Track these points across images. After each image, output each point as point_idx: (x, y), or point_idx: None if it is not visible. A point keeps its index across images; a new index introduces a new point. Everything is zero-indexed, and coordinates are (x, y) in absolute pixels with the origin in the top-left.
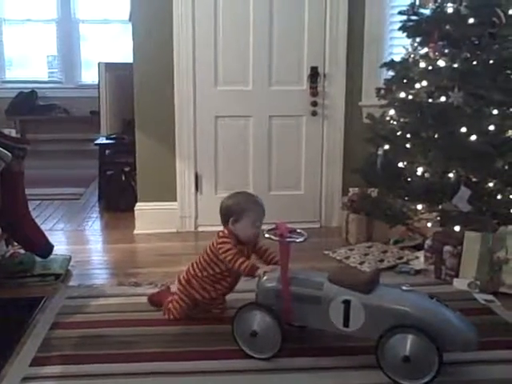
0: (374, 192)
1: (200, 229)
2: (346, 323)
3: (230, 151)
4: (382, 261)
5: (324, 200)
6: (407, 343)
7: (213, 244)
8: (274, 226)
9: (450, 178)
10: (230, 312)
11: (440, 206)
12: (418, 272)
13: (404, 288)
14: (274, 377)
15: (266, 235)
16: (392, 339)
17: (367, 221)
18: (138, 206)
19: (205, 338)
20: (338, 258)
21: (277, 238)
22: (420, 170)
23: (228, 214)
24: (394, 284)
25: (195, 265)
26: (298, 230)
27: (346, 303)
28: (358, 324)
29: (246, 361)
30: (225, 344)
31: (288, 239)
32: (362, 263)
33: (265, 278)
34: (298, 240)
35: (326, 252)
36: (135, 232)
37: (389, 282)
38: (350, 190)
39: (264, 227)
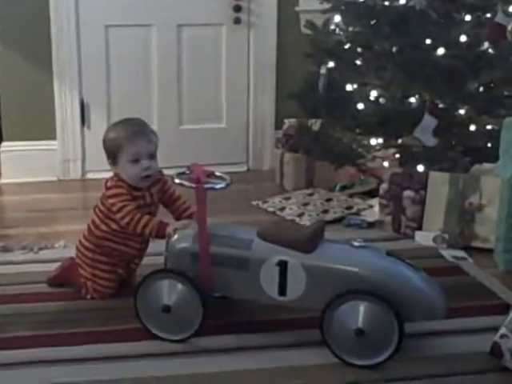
0: (315, 124)
1: (89, 175)
2: (282, 291)
3: (127, 72)
4: (326, 212)
5: (252, 135)
6: (360, 313)
7: (103, 196)
8: (186, 169)
9: (411, 103)
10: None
11: (399, 141)
12: (371, 225)
13: (355, 244)
14: (189, 361)
15: (176, 180)
16: (340, 309)
17: (307, 161)
18: (4, 146)
19: (99, 314)
20: (271, 209)
21: (190, 184)
22: (373, 95)
23: (107, 153)
24: (342, 240)
25: (91, 225)
26: (218, 174)
27: (282, 265)
28: (297, 291)
29: (153, 342)
30: (127, 322)
31: (205, 185)
32: (300, 215)
33: (176, 236)
34: (218, 186)
35: (255, 202)
36: (1, 181)
37: (335, 238)
38: (286, 121)
39: (173, 171)
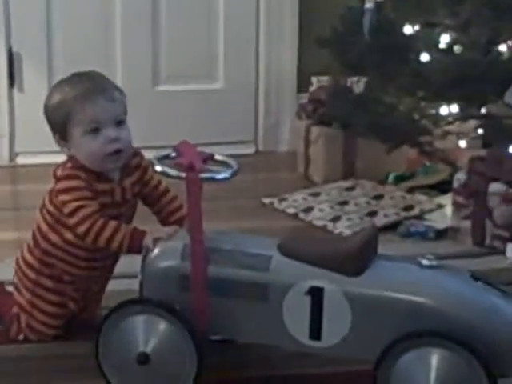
0: (357, 84)
1: (20, 160)
2: (316, 332)
3: (77, 7)
4: (373, 214)
5: (263, 101)
6: (431, 366)
7: (52, 191)
8: (171, 150)
9: (500, 53)
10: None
11: (482, 109)
12: (441, 233)
13: (424, 262)
14: None
15: (157, 168)
16: (403, 359)
17: (346, 139)
18: None
19: (38, 366)
20: (291, 210)
21: (178, 173)
22: (445, 40)
23: (51, 125)
24: (401, 256)
25: (37, 233)
26: (220, 157)
27: (315, 294)
28: (337, 333)
29: None
30: (82, 378)
31: (201, 174)
32: (335, 220)
33: (157, 251)
34: (219, 176)
35: (268, 200)
36: None
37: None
38: (313, 80)
39: (150, 154)
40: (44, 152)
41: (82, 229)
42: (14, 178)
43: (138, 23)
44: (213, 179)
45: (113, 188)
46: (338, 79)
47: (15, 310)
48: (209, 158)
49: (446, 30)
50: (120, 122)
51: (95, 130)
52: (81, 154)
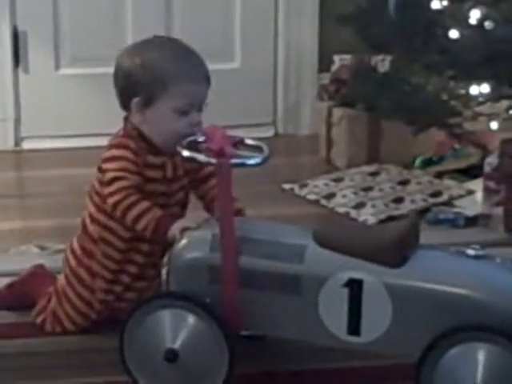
0: (382, 63)
1: (26, 145)
2: (354, 327)
3: None
4: (399, 200)
5: (282, 81)
6: (479, 363)
7: (99, 168)
8: (198, 134)
9: None
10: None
11: None
12: (471, 221)
13: (470, 252)
14: None
15: (185, 153)
16: (448, 355)
17: (370, 121)
18: None
19: (64, 361)
20: (312, 196)
21: (208, 159)
22: (475, 16)
23: (130, 87)
24: (447, 247)
25: (87, 219)
26: (250, 141)
27: (354, 287)
28: (377, 328)
29: None
30: (109, 374)
31: (232, 160)
32: (359, 207)
33: (184, 241)
34: (251, 161)
35: (288, 186)
36: None
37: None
38: (336, 59)
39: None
40: (51, 136)
41: (112, 200)
42: (20, 164)
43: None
44: (243, 165)
45: (164, 162)
46: (362, 58)
47: (50, 289)
48: (239, 143)
49: (476, 4)
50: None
51: (184, 112)
52: (154, 126)
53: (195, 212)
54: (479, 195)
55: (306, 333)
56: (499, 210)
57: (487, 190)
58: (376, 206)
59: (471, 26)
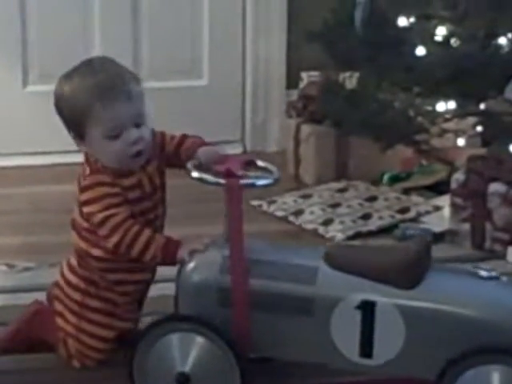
0: (350, 79)
1: None
2: (367, 349)
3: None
4: (367, 217)
5: (250, 98)
6: None
7: (80, 202)
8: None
9: (499, 47)
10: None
11: (481, 106)
12: (439, 237)
13: (482, 274)
14: None
15: (194, 174)
16: (463, 378)
17: (338, 138)
18: None
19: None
20: (280, 213)
21: (217, 180)
22: (441, 33)
23: (66, 123)
24: (459, 267)
25: (81, 252)
26: (261, 163)
27: (366, 308)
28: (390, 350)
29: None
30: None
31: (242, 181)
32: (327, 223)
33: (192, 263)
34: (260, 182)
35: (256, 202)
36: None
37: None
38: (303, 75)
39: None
40: (18, 153)
41: (111, 242)
42: None
43: (116, 13)
44: (253, 185)
45: (140, 179)
46: (330, 75)
47: (61, 334)
48: (249, 163)
49: (442, 22)
50: (140, 118)
51: (115, 136)
52: (101, 154)
53: (199, 233)
54: (446, 211)
55: (317, 355)
56: (466, 226)
57: (454, 207)
58: (344, 223)
59: (437, 44)
